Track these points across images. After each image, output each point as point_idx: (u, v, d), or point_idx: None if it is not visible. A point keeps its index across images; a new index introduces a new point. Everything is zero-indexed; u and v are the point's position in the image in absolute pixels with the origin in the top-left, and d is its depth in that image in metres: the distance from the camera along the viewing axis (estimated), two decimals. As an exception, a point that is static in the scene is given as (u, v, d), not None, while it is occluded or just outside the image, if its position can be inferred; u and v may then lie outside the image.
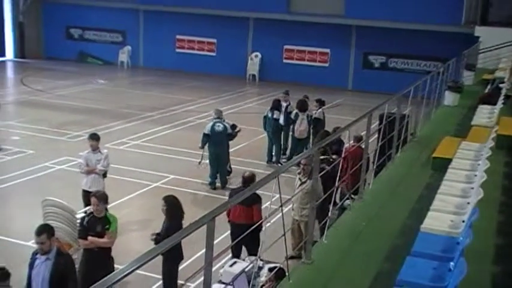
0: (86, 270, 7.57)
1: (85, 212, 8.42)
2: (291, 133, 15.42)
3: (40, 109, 20.48)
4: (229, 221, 9.07)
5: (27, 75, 27.62)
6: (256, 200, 8.74)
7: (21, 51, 32.38)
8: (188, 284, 8.12)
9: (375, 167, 9.09)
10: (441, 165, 8.30)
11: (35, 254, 6.71)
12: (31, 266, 6.69)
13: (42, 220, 8.88)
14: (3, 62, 31.30)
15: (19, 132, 17.16)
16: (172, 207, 8.08)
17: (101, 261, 7.68)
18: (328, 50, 28.90)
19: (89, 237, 7.71)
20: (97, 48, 32.68)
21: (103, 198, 7.96)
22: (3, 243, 10.08)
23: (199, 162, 13.44)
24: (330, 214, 7.21)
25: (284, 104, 15.42)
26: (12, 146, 15.61)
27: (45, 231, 6.53)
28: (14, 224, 10.97)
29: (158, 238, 7.69)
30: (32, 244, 9.67)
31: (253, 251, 7.86)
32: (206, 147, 13.38)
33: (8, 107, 19.26)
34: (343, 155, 8.59)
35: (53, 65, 30.59)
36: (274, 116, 15.18)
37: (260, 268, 7.62)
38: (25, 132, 17.25)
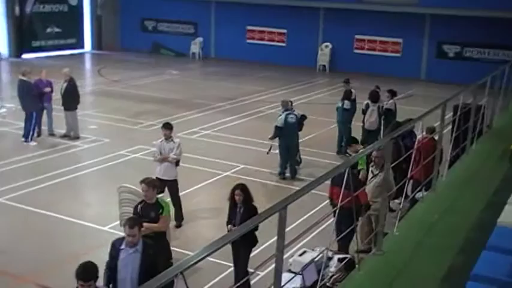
0: None
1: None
2: (361, 124, 15.24)
3: (116, 99, 21.15)
4: (331, 204, 9.09)
5: (104, 66, 28.58)
6: (360, 184, 8.75)
7: (98, 43, 33.56)
8: (258, 272, 8.22)
9: (449, 158, 8.88)
10: (519, 158, 8.03)
11: (117, 245, 6.46)
12: (115, 257, 6.42)
13: (118, 206, 9.24)
14: (82, 54, 32.50)
15: (96, 122, 17.80)
16: (248, 194, 8.19)
17: (157, 245, 7.83)
18: (400, 40, 28.29)
19: (144, 224, 7.81)
20: (170, 39, 33.36)
21: (152, 184, 8.03)
22: (81, 228, 10.52)
23: (268, 152, 13.51)
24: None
25: None
26: (89, 135, 16.22)
27: (136, 224, 6.36)
28: (91, 210, 11.42)
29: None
30: (108, 229, 10.11)
31: (349, 235, 7.69)
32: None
33: (86, 97, 19.97)
34: (415, 146, 8.44)
35: (128, 57, 31.52)
36: (345, 106, 15.07)
37: (329, 258, 7.60)
38: (102, 122, 17.88)
